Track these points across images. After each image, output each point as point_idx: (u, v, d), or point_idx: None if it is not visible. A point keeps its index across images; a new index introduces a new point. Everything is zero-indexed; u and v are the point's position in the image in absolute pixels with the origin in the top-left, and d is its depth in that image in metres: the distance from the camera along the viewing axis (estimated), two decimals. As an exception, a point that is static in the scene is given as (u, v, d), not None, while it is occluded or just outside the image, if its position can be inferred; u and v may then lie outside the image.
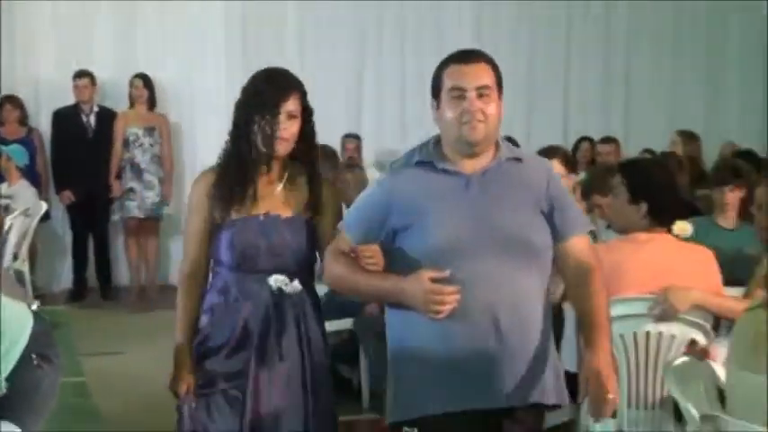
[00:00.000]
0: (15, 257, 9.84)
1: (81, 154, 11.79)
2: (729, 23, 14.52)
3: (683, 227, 5.66)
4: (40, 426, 4.12)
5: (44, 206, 10.80)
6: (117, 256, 12.41)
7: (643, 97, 14.09)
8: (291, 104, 4.19)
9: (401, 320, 3.82)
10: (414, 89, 12.90)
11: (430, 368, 3.74)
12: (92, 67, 12.01)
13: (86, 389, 8.37)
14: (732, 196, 6.97)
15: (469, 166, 3.78)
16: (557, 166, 6.14)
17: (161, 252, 12.38)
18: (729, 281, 5.93)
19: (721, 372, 4.60)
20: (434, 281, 3.62)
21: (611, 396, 3.68)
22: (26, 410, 3.93)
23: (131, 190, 11.78)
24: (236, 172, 4.25)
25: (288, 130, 4.19)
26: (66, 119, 11.96)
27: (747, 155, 9.25)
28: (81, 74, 11.86)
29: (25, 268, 10.27)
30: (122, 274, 12.42)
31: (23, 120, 11.98)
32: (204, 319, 4.36)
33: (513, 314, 3.69)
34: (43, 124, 12.21)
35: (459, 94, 3.74)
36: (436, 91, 3.86)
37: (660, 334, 3.83)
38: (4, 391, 4.00)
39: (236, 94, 12.76)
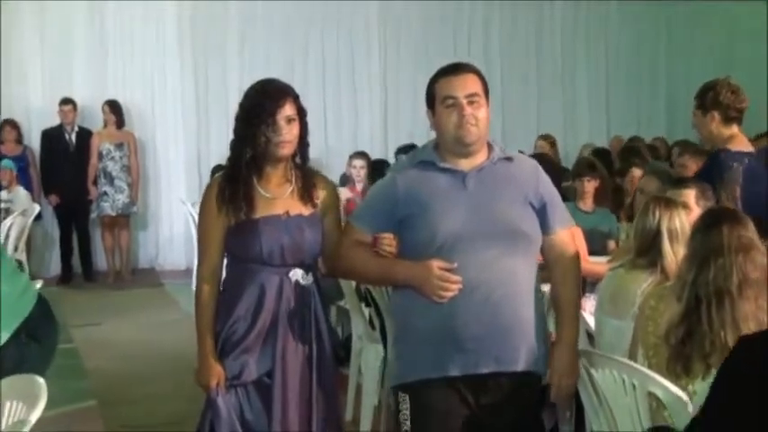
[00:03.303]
0: (16, 249, 9.80)
1: (65, 165, 11.76)
2: (578, 56, 14.67)
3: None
4: None
5: (37, 208, 10.79)
6: (96, 246, 12.29)
7: (514, 109, 14.13)
8: (288, 110, 3.79)
9: (405, 299, 3.56)
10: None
11: (428, 338, 3.47)
12: (72, 95, 11.95)
13: (76, 353, 8.32)
14: (589, 185, 7.09)
15: (466, 164, 3.54)
16: None
17: (131, 242, 12.41)
18: (588, 251, 6.09)
19: (590, 319, 4.71)
20: (442, 270, 3.40)
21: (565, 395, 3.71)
22: None
23: (105, 193, 11.76)
24: (243, 175, 3.81)
25: (289, 132, 3.79)
26: (52, 137, 11.87)
27: (602, 152, 9.41)
28: (65, 101, 11.80)
29: (24, 258, 10.25)
30: (101, 260, 12.29)
31: (20, 139, 11.89)
32: (228, 311, 3.82)
33: (504, 291, 3.44)
34: (34, 141, 12.09)
35: (452, 102, 3.50)
36: (431, 102, 3.60)
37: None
38: None
39: (187, 116, 12.83)
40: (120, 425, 6.40)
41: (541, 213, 3.59)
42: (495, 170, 3.56)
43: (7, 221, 9.46)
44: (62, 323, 8.87)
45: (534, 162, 3.78)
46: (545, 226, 3.60)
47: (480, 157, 3.57)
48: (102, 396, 7.02)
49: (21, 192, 10.79)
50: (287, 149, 3.82)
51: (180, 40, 12.82)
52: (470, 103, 3.49)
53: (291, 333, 3.83)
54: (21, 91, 12.28)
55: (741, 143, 5.29)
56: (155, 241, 12.94)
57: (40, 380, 3.36)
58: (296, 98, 3.86)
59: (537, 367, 3.56)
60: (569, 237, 3.70)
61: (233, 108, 3.98)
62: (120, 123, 11.95)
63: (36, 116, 12.20)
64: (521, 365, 3.49)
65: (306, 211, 3.86)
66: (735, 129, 5.26)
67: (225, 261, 3.93)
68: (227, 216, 3.81)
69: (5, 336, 4.01)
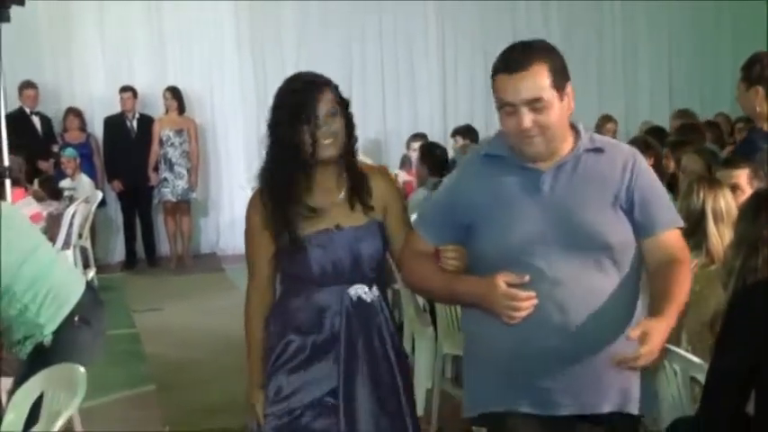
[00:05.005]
0: (80, 236, 9.95)
1: (127, 152, 11.89)
2: (640, 33, 14.45)
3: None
4: None
5: (100, 195, 10.98)
6: (158, 231, 12.42)
7: (575, 87, 13.92)
8: (328, 101, 3.33)
9: (474, 319, 3.06)
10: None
11: (497, 365, 3.00)
12: (132, 83, 12.08)
13: (138, 337, 8.46)
14: (644, 164, 6.97)
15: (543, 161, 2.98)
16: None
17: (193, 227, 12.54)
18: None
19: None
20: (511, 285, 2.86)
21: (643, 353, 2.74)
22: (64, 361, 3.75)
23: (165, 179, 11.86)
24: (287, 191, 3.39)
25: (334, 125, 3.33)
26: (114, 124, 12.01)
27: (658, 130, 9.25)
28: (125, 89, 11.92)
29: (88, 244, 10.44)
30: (163, 246, 12.43)
31: (83, 127, 12.01)
32: (283, 330, 3.44)
33: (586, 315, 2.87)
34: (96, 129, 12.24)
35: (511, 110, 2.90)
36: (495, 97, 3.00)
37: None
38: (49, 343, 4.07)
39: (247, 102, 12.91)
40: (177, 410, 6.44)
41: (637, 213, 2.98)
42: (580, 166, 2.99)
43: (71, 209, 9.52)
44: (125, 308, 9.16)
45: (632, 151, 3.11)
46: (639, 228, 2.98)
47: (563, 150, 2.99)
48: (161, 381, 7.10)
49: (84, 179, 10.94)
50: (335, 147, 3.35)
51: (237, 29, 12.87)
52: (533, 109, 2.89)
53: (356, 353, 3.42)
54: (83, 79, 12.44)
55: None
56: (215, 226, 13.03)
57: (81, 369, 3.42)
58: (335, 87, 3.41)
59: (630, 407, 3.01)
60: (674, 239, 3.05)
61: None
62: (181, 109, 12.03)
63: (98, 104, 12.33)
64: (609, 406, 2.98)
65: (359, 220, 3.41)
66: None
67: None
68: (272, 238, 3.44)
69: (59, 321, 4.12)
